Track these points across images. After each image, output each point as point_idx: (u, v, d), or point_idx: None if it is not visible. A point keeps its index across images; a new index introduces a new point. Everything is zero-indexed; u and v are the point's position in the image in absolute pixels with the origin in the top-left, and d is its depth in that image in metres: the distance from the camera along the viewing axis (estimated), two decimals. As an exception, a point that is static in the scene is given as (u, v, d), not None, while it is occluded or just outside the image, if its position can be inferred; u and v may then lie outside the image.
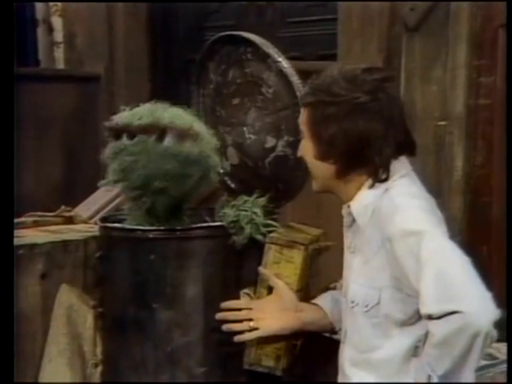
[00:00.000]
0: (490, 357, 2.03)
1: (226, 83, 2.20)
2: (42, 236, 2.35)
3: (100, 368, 2.22)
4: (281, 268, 1.98)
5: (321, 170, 1.81)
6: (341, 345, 1.88)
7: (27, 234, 2.33)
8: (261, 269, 1.97)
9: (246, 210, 1.97)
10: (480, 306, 1.51)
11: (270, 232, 1.98)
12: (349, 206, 1.81)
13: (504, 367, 1.99)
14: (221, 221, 1.98)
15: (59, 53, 4.09)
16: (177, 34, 4.11)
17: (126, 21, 3.97)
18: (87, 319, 2.23)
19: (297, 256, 1.98)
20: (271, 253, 1.98)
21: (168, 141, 1.94)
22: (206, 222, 2.09)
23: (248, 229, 1.95)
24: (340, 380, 1.87)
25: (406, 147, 1.80)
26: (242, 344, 1.97)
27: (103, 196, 2.76)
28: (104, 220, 2.17)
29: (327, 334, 2.00)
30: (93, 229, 2.36)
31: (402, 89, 2.73)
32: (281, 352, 1.99)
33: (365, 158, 1.74)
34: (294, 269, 1.98)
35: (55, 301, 2.24)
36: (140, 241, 1.97)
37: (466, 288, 1.54)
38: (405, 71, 2.76)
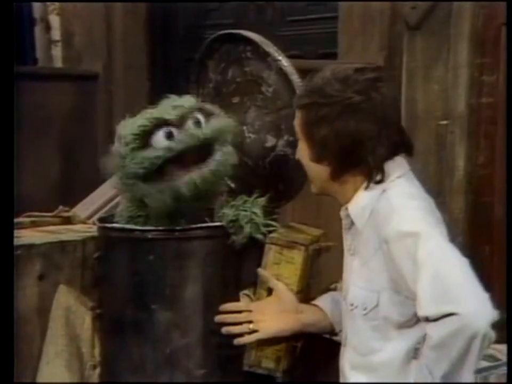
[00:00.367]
0: (493, 358, 2.02)
1: (225, 82, 2.19)
2: (40, 236, 2.34)
3: (98, 370, 2.21)
4: (281, 268, 1.97)
5: (317, 172, 1.81)
6: (342, 348, 1.87)
7: (24, 235, 2.31)
8: (260, 271, 1.96)
9: (245, 210, 1.95)
10: (477, 308, 1.51)
11: (270, 232, 1.97)
12: (346, 208, 1.81)
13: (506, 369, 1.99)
14: (220, 221, 1.97)
15: (57, 52, 4.09)
16: (176, 32, 4.11)
17: (125, 19, 3.97)
18: (85, 320, 2.22)
19: (297, 256, 1.97)
20: (271, 253, 1.98)
21: (189, 125, 1.92)
22: (205, 222, 2.07)
23: (247, 228, 1.93)
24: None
25: (402, 147, 1.79)
26: (242, 346, 1.95)
27: (102, 196, 2.75)
28: (102, 220, 2.16)
29: (327, 336, 1.99)
30: (91, 229, 2.35)
31: (404, 88, 2.74)
32: (281, 354, 1.98)
33: (358, 159, 1.74)
34: (294, 269, 1.97)
35: (53, 302, 2.22)
36: (138, 241, 1.96)
37: (463, 289, 1.54)
38: (406, 70, 2.76)
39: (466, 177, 2.69)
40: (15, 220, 2.27)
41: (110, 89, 3.93)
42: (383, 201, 1.72)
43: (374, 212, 1.73)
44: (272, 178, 2.14)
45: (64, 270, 2.25)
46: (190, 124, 1.92)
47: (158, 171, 1.89)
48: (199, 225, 1.96)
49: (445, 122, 2.72)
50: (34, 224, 2.53)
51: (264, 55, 2.07)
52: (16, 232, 2.11)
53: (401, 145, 1.79)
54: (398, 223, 1.65)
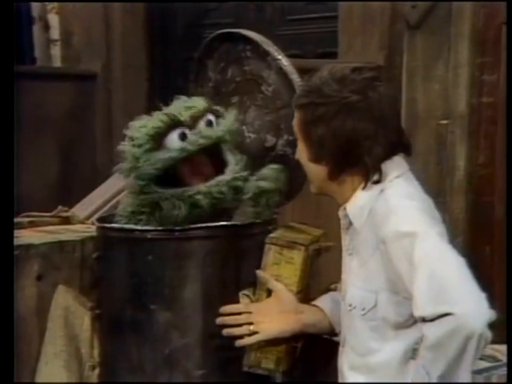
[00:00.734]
0: (493, 359, 2.02)
1: (225, 81, 2.19)
2: (39, 236, 2.33)
3: (97, 370, 2.21)
4: (281, 268, 1.97)
5: (315, 172, 1.81)
6: (340, 349, 1.87)
7: (23, 235, 2.31)
8: (258, 272, 1.96)
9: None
10: (473, 308, 1.51)
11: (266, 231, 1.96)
12: (345, 208, 1.80)
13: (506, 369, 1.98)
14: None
15: (55, 51, 4.08)
16: (175, 32, 4.11)
17: (124, 19, 3.97)
18: (84, 320, 2.22)
19: (297, 256, 1.97)
20: (270, 253, 1.97)
21: (201, 126, 1.95)
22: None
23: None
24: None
25: (400, 147, 1.79)
26: (242, 346, 1.95)
27: (100, 196, 2.74)
28: (101, 220, 2.16)
29: (327, 336, 1.99)
30: (90, 230, 2.35)
31: (404, 87, 2.73)
32: (281, 355, 1.98)
33: (355, 159, 1.73)
34: (294, 269, 1.97)
35: (52, 303, 2.22)
36: (137, 241, 1.96)
37: (460, 289, 1.53)
38: (407, 69, 2.75)
39: (466, 177, 2.68)
40: (14, 220, 2.26)
41: (109, 89, 3.93)
42: (381, 201, 1.72)
43: (372, 212, 1.73)
44: (272, 178, 2.13)
45: (63, 270, 2.24)
46: (202, 124, 1.95)
47: (171, 173, 1.92)
48: (198, 225, 1.96)
49: (445, 122, 2.71)
50: (33, 224, 2.52)
51: (263, 55, 2.06)
52: (15, 232, 2.11)
53: (399, 145, 1.78)
54: (395, 223, 1.65)
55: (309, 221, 2.18)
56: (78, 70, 3.99)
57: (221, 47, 2.17)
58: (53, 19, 4.07)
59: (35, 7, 4.06)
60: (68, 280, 2.25)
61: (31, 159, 3.50)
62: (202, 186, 1.93)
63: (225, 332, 1.93)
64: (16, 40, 3.85)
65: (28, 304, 2.18)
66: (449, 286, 1.54)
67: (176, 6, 4.08)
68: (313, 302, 1.99)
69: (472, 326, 1.49)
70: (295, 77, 2.02)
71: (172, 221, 1.94)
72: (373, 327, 1.74)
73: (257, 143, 2.15)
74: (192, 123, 1.94)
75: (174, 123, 1.92)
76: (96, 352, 2.21)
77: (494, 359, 2.02)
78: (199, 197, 1.91)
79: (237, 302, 1.97)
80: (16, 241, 2.11)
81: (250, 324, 1.92)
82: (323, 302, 1.98)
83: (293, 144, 1.99)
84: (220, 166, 2.00)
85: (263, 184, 2.00)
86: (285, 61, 2.04)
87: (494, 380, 1.97)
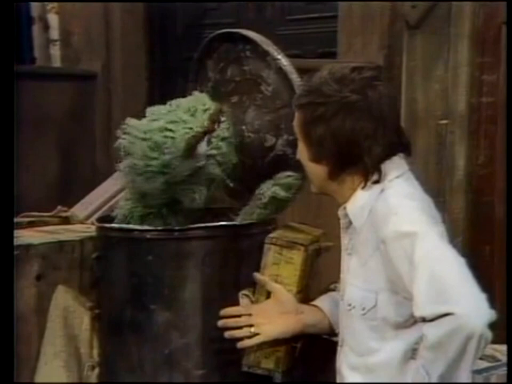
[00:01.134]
0: (493, 359, 2.01)
1: (225, 81, 2.18)
2: (38, 236, 2.33)
3: (96, 370, 2.21)
4: (281, 268, 1.97)
5: (315, 172, 1.81)
6: (338, 349, 1.87)
7: (22, 235, 2.31)
8: (256, 275, 1.96)
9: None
10: (473, 308, 1.50)
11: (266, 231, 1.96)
12: (345, 208, 1.81)
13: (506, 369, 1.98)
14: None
15: (55, 51, 4.07)
16: (175, 32, 4.11)
17: (123, 18, 3.96)
18: (83, 320, 2.22)
19: (297, 257, 1.97)
20: (270, 253, 1.97)
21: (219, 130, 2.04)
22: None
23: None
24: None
25: (400, 147, 1.79)
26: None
27: (100, 196, 2.74)
28: (101, 220, 2.16)
29: (326, 336, 1.99)
30: (90, 230, 2.35)
31: (404, 87, 2.73)
32: (281, 354, 1.98)
33: (355, 158, 1.74)
34: (293, 270, 1.97)
35: (51, 303, 2.22)
36: (137, 241, 1.96)
37: (459, 289, 1.53)
38: (406, 69, 2.75)
39: (466, 177, 2.68)
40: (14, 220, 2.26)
41: (109, 89, 3.93)
42: (381, 201, 1.72)
43: (372, 212, 1.73)
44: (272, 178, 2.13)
45: (62, 270, 2.24)
46: (219, 129, 2.03)
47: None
48: (197, 225, 1.96)
49: (445, 121, 2.71)
50: (32, 224, 2.53)
51: (263, 54, 2.06)
52: (15, 232, 2.10)
53: (399, 144, 1.79)
54: (395, 223, 1.65)
55: (308, 221, 2.18)
56: (77, 70, 3.98)
57: (220, 47, 2.17)
58: (53, 19, 4.06)
59: (35, 7, 4.05)
60: (68, 280, 2.25)
61: (31, 159, 3.49)
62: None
63: (227, 334, 1.93)
64: (15, 40, 3.85)
65: (27, 304, 2.18)
66: (449, 286, 1.53)
67: (176, 6, 4.07)
68: (313, 302, 1.99)
69: (472, 326, 1.48)
70: (294, 77, 2.02)
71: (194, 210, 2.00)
72: (373, 327, 1.74)
73: (256, 143, 2.15)
74: (212, 126, 2.02)
75: (202, 132, 1.99)
76: (95, 352, 2.21)
77: (494, 359, 2.01)
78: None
79: (237, 302, 1.97)
80: (16, 241, 2.11)
81: (251, 326, 1.92)
82: (323, 302, 1.98)
83: (292, 144, 1.99)
84: None
85: (279, 192, 2.02)
86: (284, 61, 2.04)
87: (493, 379, 1.97)
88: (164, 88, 3.97)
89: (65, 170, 3.73)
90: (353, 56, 2.81)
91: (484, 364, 1.96)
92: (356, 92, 1.71)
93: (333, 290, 2.01)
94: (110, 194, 2.71)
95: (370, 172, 1.74)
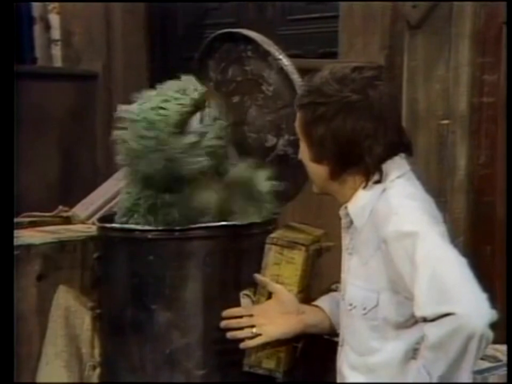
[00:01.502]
0: (494, 359, 2.01)
1: (226, 81, 2.18)
2: (39, 236, 2.34)
3: (98, 370, 2.21)
4: (282, 269, 1.96)
5: (317, 172, 1.82)
6: (339, 348, 1.87)
7: (24, 235, 2.31)
8: (257, 276, 1.96)
9: None
10: (474, 308, 1.50)
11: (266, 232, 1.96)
12: (346, 207, 1.81)
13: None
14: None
15: (56, 51, 4.07)
16: (176, 32, 4.11)
17: (124, 18, 3.96)
18: (84, 320, 2.22)
19: (298, 257, 1.97)
20: (271, 253, 1.97)
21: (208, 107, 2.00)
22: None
23: None
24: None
25: (401, 147, 1.79)
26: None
27: (101, 196, 2.74)
28: (102, 220, 2.16)
29: (327, 336, 1.99)
30: (91, 229, 2.35)
31: (405, 87, 2.72)
32: (282, 354, 1.98)
33: (356, 158, 1.74)
34: (294, 270, 1.97)
35: (52, 303, 2.22)
36: (138, 241, 1.96)
37: (460, 289, 1.53)
38: (407, 69, 2.75)
39: (467, 177, 2.67)
40: (14, 220, 2.26)
41: (110, 89, 3.92)
42: (382, 201, 1.72)
43: (374, 212, 1.73)
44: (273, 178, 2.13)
45: (63, 270, 2.25)
46: (208, 105, 1.99)
47: None
48: (198, 225, 1.95)
49: (446, 121, 2.71)
50: (33, 224, 2.53)
51: (264, 54, 2.07)
52: (16, 232, 2.11)
53: (400, 144, 1.79)
54: (396, 223, 1.65)
55: (309, 220, 2.18)
56: (78, 70, 3.98)
57: (221, 47, 2.17)
58: (54, 19, 4.06)
59: (36, 7, 4.05)
60: (69, 280, 2.26)
61: (32, 159, 3.49)
62: None
63: (229, 335, 1.93)
64: (17, 40, 3.84)
65: (28, 304, 2.18)
66: (450, 286, 1.53)
67: (177, 6, 4.07)
68: (314, 303, 1.99)
69: (473, 326, 1.48)
70: (295, 77, 2.02)
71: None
72: (374, 326, 1.74)
73: (258, 143, 2.15)
74: (202, 104, 1.99)
75: (193, 107, 1.97)
76: (96, 352, 2.21)
77: (495, 359, 2.01)
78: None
79: (238, 301, 1.97)
80: (17, 241, 2.12)
81: (253, 326, 1.92)
82: (324, 302, 1.98)
83: (293, 144, 2.00)
84: None
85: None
86: (285, 61, 2.04)
87: (494, 380, 1.97)
88: (164, 88, 3.96)
89: (66, 170, 3.73)
90: (354, 56, 2.81)
91: (485, 364, 1.96)
92: (356, 91, 1.71)
93: (334, 290, 2.01)
94: (111, 194, 2.71)
95: (371, 171, 1.74)
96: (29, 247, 2.20)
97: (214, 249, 1.95)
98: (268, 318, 1.92)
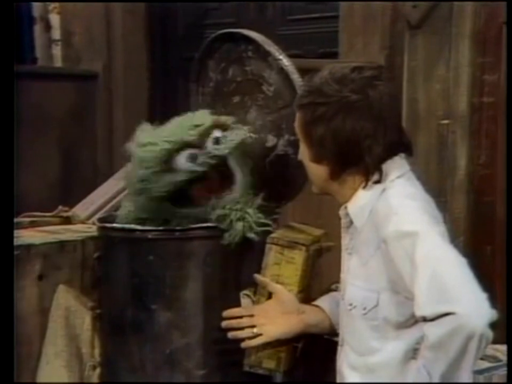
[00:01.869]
0: (494, 359, 2.01)
1: (226, 81, 2.18)
2: (39, 236, 2.34)
3: (98, 370, 2.21)
4: (282, 268, 1.96)
5: (316, 172, 1.81)
6: (339, 348, 1.87)
7: (24, 235, 2.31)
8: (257, 277, 1.95)
9: (236, 210, 1.95)
10: (474, 308, 1.50)
11: (266, 232, 1.96)
12: (345, 207, 1.80)
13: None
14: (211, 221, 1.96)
15: (57, 51, 4.08)
16: (176, 32, 4.11)
17: (124, 18, 3.97)
18: (85, 320, 2.22)
19: (298, 256, 1.96)
20: (271, 253, 1.97)
21: (209, 145, 1.94)
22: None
23: (239, 227, 1.92)
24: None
25: (401, 147, 1.79)
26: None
27: (101, 196, 2.74)
28: (102, 220, 2.16)
29: (327, 336, 1.98)
30: (91, 229, 2.35)
31: (405, 87, 2.73)
32: (282, 354, 1.98)
33: (356, 158, 1.73)
34: (295, 269, 1.96)
35: (53, 302, 2.22)
36: (138, 241, 1.96)
37: (460, 289, 1.53)
38: (407, 69, 2.75)
39: (467, 177, 2.68)
40: (14, 220, 2.27)
41: (110, 89, 3.93)
42: (382, 201, 1.72)
43: (374, 212, 1.73)
44: (273, 178, 2.13)
45: (63, 270, 2.25)
46: (209, 143, 1.93)
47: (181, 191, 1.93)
48: (199, 225, 1.95)
49: (446, 121, 2.71)
50: (33, 224, 2.53)
51: (264, 54, 2.06)
52: (16, 232, 2.11)
53: (400, 144, 1.78)
54: (396, 223, 1.65)
55: (309, 220, 2.17)
56: (79, 70, 3.99)
57: (222, 47, 2.16)
58: (54, 19, 4.06)
59: (36, 7, 4.06)
60: (69, 280, 2.25)
61: (32, 159, 3.49)
62: (211, 204, 1.95)
63: (230, 335, 1.93)
64: (17, 40, 3.85)
65: (29, 304, 2.18)
66: (450, 285, 1.53)
67: (177, 6, 4.08)
68: (314, 302, 1.99)
69: (473, 325, 1.48)
70: (296, 77, 2.02)
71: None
72: (374, 326, 1.74)
73: (258, 143, 2.14)
74: (200, 142, 1.93)
75: (183, 144, 1.91)
76: (97, 352, 2.21)
77: (495, 359, 2.01)
78: (210, 216, 1.94)
79: (238, 301, 1.97)
80: (17, 241, 2.11)
81: (253, 326, 1.92)
82: (324, 302, 1.98)
83: (294, 144, 1.99)
84: (227, 177, 2.00)
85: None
86: (286, 61, 2.04)
87: (494, 380, 1.97)
88: (165, 88, 3.97)
89: (66, 170, 3.74)
90: (354, 56, 2.81)
91: (485, 364, 1.96)
92: (356, 91, 1.71)
93: (334, 290, 2.00)
94: (111, 194, 2.71)
95: (371, 171, 1.74)
96: (29, 247, 2.20)
97: (214, 249, 1.95)
98: (268, 318, 1.92)
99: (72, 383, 2.20)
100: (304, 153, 1.83)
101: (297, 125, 1.82)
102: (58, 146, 3.73)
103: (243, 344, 1.93)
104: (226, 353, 1.95)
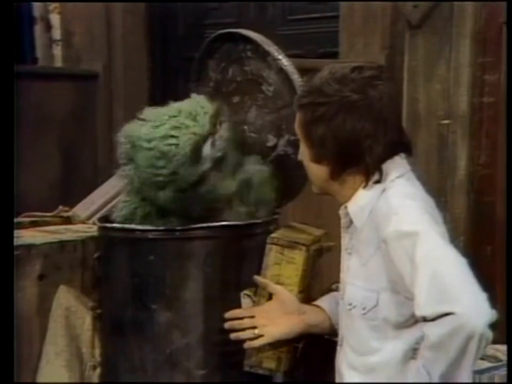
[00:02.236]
0: (495, 359, 2.01)
1: (226, 81, 2.18)
2: (40, 236, 2.34)
3: (98, 370, 2.21)
4: (282, 268, 1.96)
5: (317, 172, 1.81)
6: (338, 348, 1.87)
7: (24, 235, 2.31)
8: (257, 278, 1.96)
9: None
10: (474, 308, 1.50)
11: (267, 232, 1.96)
12: (346, 207, 1.80)
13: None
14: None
15: (57, 51, 4.08)
16: (176, 32, 4.11)
17: (125, 18, 3.97)
18: (85, 320, 2.22)
19: (298, 256, 1.96)
20: (272, 253, 1.97)
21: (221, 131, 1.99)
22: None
23: None
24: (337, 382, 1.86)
25: (401, 147, 1.79)
26: (242, 346, 1.94)
27: (101, 196, 2.74)
28: (102, 220, 2.15)
29: (327, 336, 1.98)
30: (91, 229, 2.35)
31: (405, 87, 2.73)
32: (282, 355, 1.98)
33: (356, 158, 1.73)
34: (295, 270, 1.96)
35: (53, 302, 2.22)
36: (139, 241, 1.96)
37: (460, 289, 1.53)
38: (408, 69, 2.75)
39: (468, 177, 2.68)
40: (15, 220, 2.27)
41: (110, 89, 3.93)
42: (382, 201, 1.72)
43: (374, 212, 1.73)
44: (273, 178, 2.13)
45: (64, 270, 2.25)
46: (219, 128, 1.98)
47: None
48: (199, 225, 1.95)
49: (446, 121, 2.71)
50: (34, 224, 2.53)
51: (264, 54, 2.06)
52: (16, 232, 2.11)
53: (400, 144, 1.78)
54: (396, 223, 1.65)
55: (310, 221, 2.17)
56: (79, 70, 3.99)
57: (221, 47, 2.16)
58: (55, 19, 4.07)
59: (37, 7, 4.06)
60: (69, 280, 2.26)
61: (32, 159, 3.49)
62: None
63: (232, 336, 1.93)
64: (17, 40, 3.86)
65: (29, 304, 2.18)
66: (450, 285, 1.53)
67: (177, 6, 4.08)
68: (314, 302, 1.99)
69: (473, 325, 1.48)
70: (295, 77, 2.02)
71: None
72: (373, 326, 1.74)
73: (258, 143, 2.14)
74: (214, 130, 1.97)
75: (208, 135, 1.95)
76: (97, 352, 2.22)
77: (495, 359, 2.01)
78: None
79: (238, 302, 1.97)
80: (18, 241, 2.12)
81: (254, 327, 1.92)
82: (324, 302, 1.98)
83: (294, 144, 1.99)
84: None
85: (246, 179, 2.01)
86: (285, 61, 2.04)
87: (494, 380, 1.97)
88: (165, 88, 3.97)
89: (66, 170, 3.74)
90: (354, 56, 2.81)
91: (485, 364, 1.96)
92: (356, 91, 1.71)
93: (335, 290, 2.00)
94: (111, 194, 2.71)
95: (371, 171, 1.74)
96: (29, 247, 2.20)
97: (214, 249, 1.95)
98: (269, 319, 1.92)
99: (72, 383, 2.20)
100: (304, 153, 1.83)
101: (297, 125, 1.82)
102: (58, 146, 3.73)
103: (245, 345, 1.93)
104: (227, 353, 1.95)
